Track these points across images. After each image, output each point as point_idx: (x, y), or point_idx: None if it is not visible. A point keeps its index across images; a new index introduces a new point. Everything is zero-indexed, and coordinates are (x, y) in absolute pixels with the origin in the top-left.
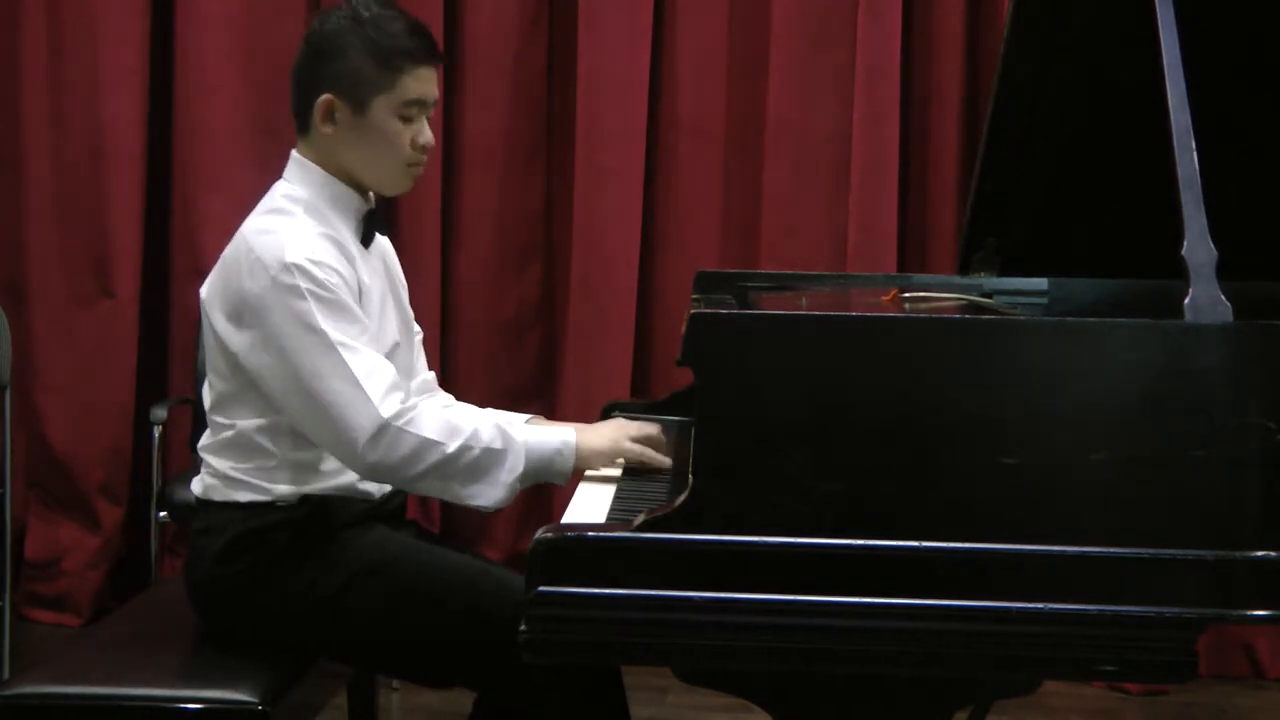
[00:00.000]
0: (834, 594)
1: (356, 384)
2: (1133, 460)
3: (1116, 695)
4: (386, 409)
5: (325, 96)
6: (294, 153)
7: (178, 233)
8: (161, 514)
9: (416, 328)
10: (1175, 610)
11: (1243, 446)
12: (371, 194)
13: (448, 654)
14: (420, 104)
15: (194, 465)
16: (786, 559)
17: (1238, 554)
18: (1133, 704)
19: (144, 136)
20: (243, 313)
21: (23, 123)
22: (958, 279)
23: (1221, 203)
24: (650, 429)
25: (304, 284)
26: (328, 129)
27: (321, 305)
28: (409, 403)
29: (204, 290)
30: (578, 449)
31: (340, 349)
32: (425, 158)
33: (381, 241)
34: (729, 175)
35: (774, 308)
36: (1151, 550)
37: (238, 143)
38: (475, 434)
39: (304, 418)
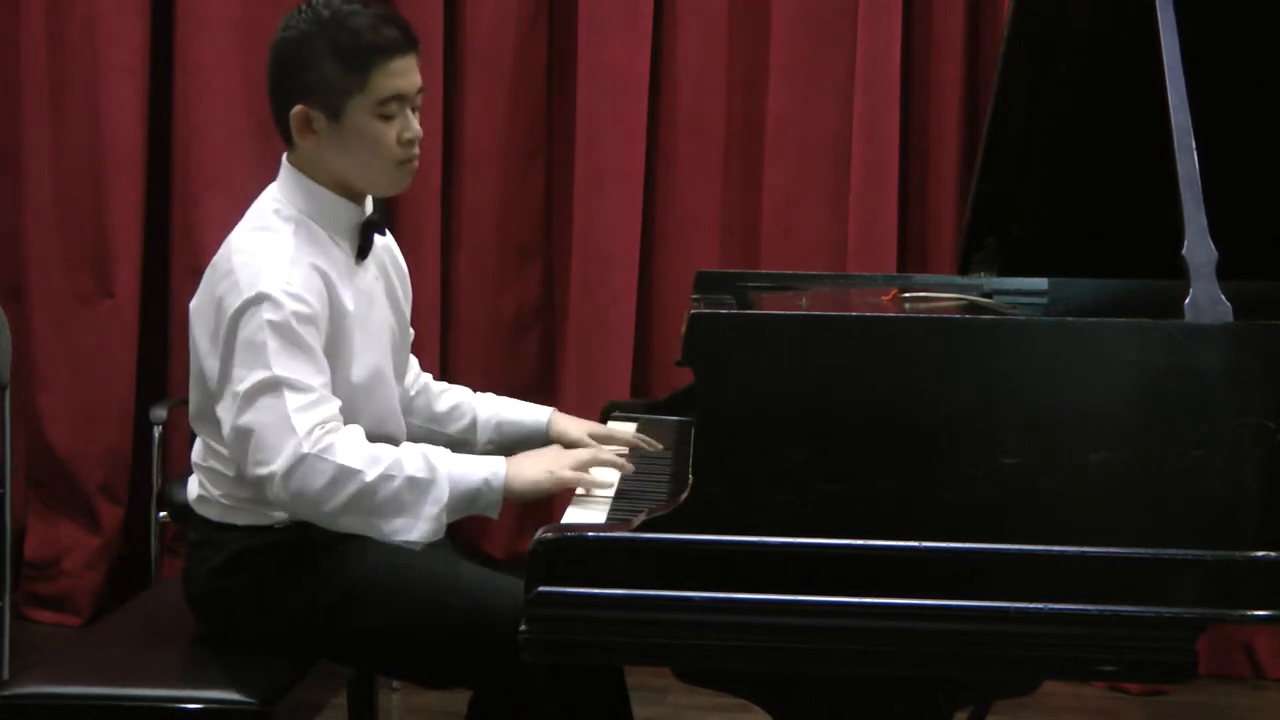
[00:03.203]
0: (834, 594)
1: (286, 417)
2: (1133, 460)
3: (1116, 695)
4: (308, 442)
5: (298, 108)
6: (285, 160)
7: (178, 233)
8: (161, 514)
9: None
10: (1175, 610)
11: (1243, 446)
12: (369, 200)
13: (449, 655)
14: (399, 98)
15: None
16: (786, 559)
17: (1238, 554)
18: (1133, 704)
19: (144, 136)
20: (218, 334)
21: (23, 123)
22: (958, 279)
23: (1221, 203)
24: (584, 454)
25: (269, 315)
26: (308, 140)
27: (278, 338)
28: (330, 427)
29: (192, 305)
30: (507, 482)
31: (284, 386)
32: (417, 151)
33: (382, 244)
34: (729, 175)
35: (774, 308)
36: (1151, 550)
37: (238, 143)
38: (397, 463)
39: (232, 449)
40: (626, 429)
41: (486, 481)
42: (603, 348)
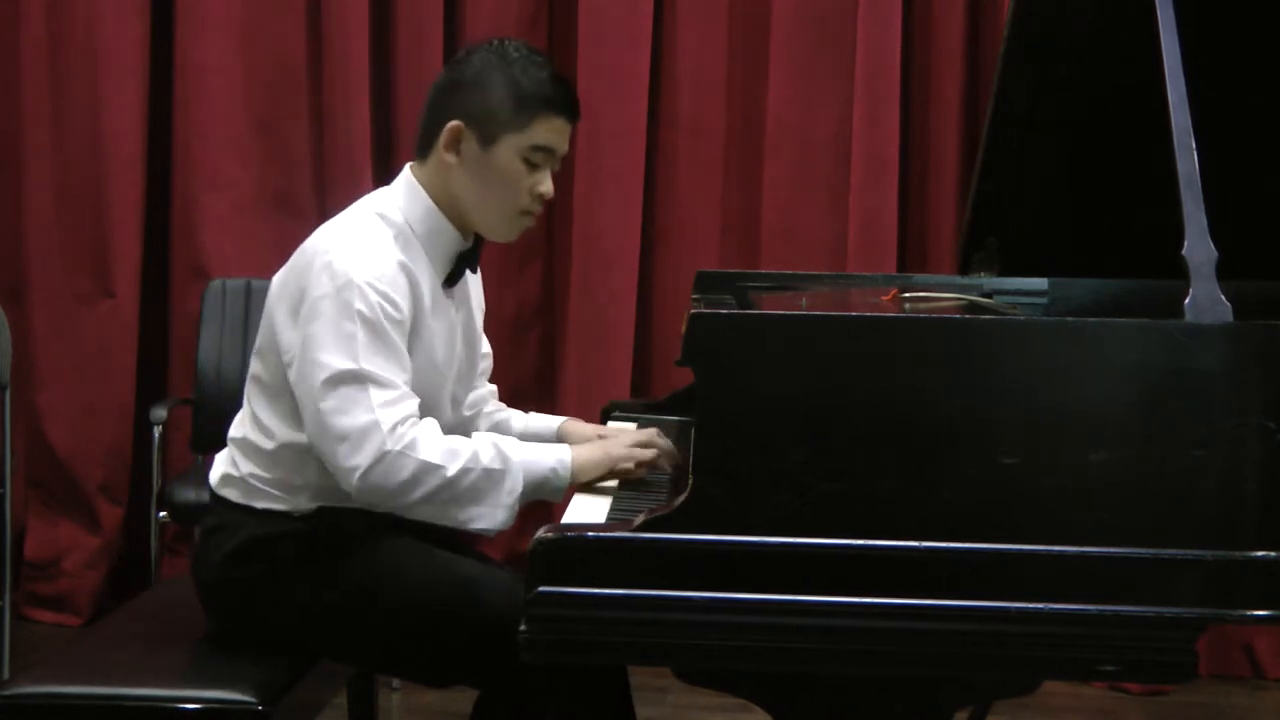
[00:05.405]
0: (834, 594)
1: (371, 412)
2: (1133, 460)
3: (1116, 695)
4: (392, 439)
5: (455, 123)
6: (408, 170)
7: (178, 233)
8: (161, 514)
9: (486, 348)
10: (1175, 610)
11: (1243, 446)
12: (473, 234)
13: (451, 655)
14: (548, 152)
15: (194, 465)
16: (786, 559)
17: (1238, 554)
18: (1133, 704)
19: (144, 136)
20: (300, 309)
21: (23, 122)
22: (958, 279)
23: (1221, 203)
24: (641, 435)
25: (359, 305)
26: (450, 156)
27: (367, 331)
28: (411, 422)
29: (274, 286)
30: (573, 469)
31: (369, 381)
32: (539, 209)
33: (472, 280)
34: (729, 175)
35: (774, 308)
36: (1151, 550)
37: (238, 143)
38: (474, 455)
39: (314, 432)
40: (627, 429)
41: (554, 470)
42: (603, 348)
